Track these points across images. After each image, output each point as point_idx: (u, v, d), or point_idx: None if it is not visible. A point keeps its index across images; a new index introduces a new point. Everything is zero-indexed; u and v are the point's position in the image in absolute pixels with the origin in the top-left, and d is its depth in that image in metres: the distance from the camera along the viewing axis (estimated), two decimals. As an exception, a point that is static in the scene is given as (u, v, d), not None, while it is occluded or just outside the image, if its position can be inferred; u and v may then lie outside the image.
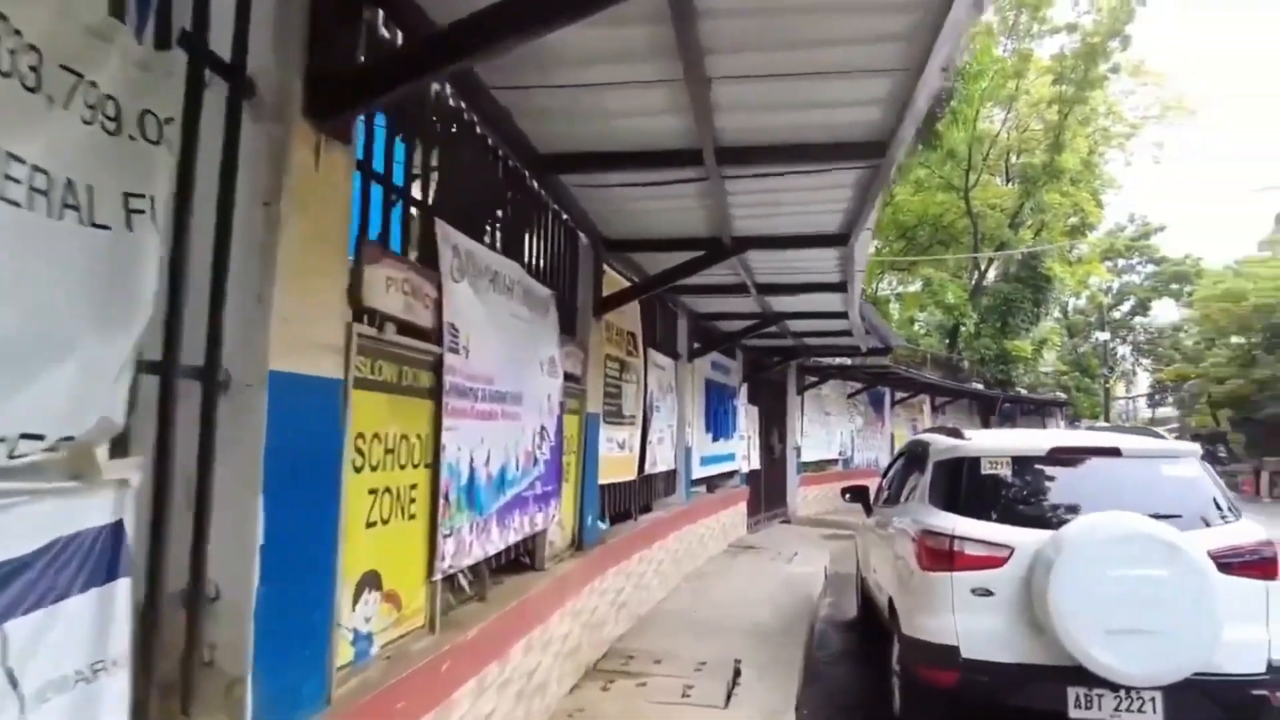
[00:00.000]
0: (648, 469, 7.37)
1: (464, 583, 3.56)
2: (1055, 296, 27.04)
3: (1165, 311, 52.99)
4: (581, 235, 5.49)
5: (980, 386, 24.61)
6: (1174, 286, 48.26)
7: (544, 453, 4.53)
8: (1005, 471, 4.53)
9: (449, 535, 3.19)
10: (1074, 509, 4.22)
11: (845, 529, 14.71)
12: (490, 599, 3.97)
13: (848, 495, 7.17)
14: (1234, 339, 29.42)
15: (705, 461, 9.90)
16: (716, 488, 11.13)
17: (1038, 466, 4.58)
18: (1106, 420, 32.52)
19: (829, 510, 17.00)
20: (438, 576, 3.12)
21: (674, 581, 8.05)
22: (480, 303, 3.58)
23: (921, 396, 23.42)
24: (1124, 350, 51.43)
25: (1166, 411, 61.17)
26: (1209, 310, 26.74)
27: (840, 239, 5.42)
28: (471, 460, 3.46)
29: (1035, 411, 30.88)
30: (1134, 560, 3.77)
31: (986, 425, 27.59)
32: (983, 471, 4.54)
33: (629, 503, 7.13)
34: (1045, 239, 25.86)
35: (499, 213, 4.23)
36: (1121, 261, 48.25)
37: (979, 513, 4.43)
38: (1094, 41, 22.02)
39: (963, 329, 25.61)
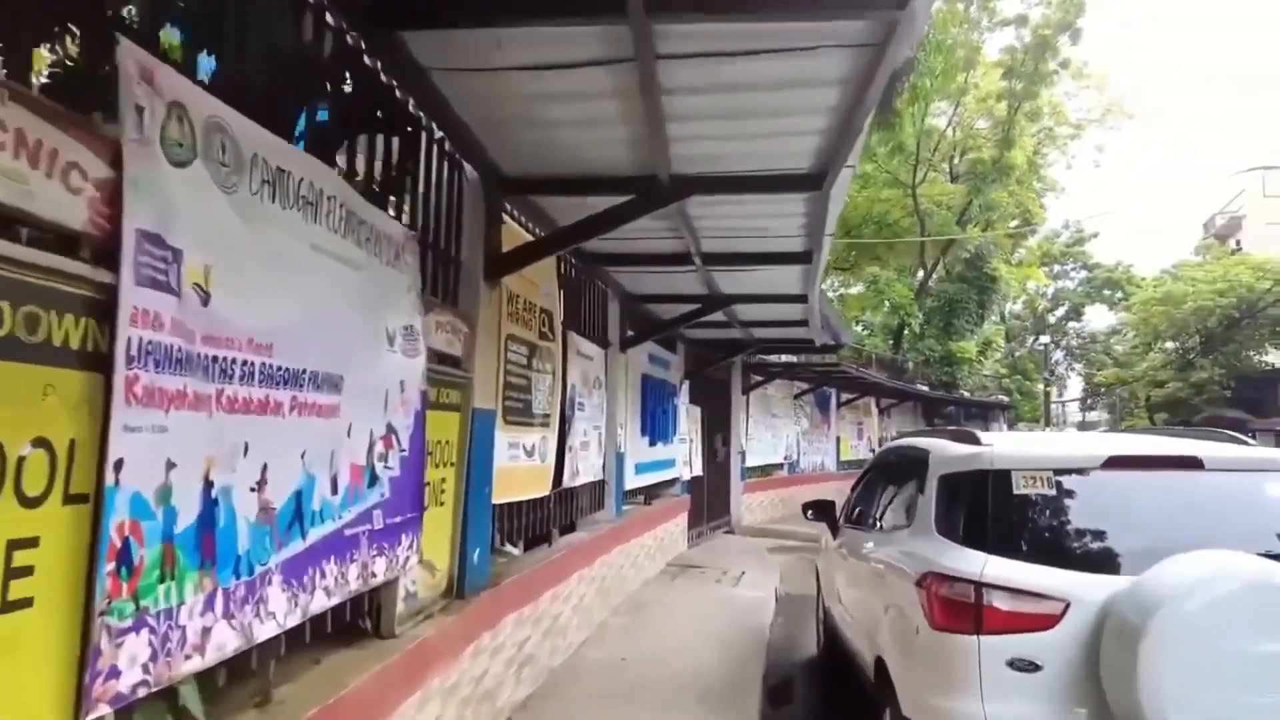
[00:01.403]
0: (567, 481, 5.94)
1: (191, 707, 2.04)
2: (1000, 297, 26.65)
3: (1098, 317, 54.19)
4: (467, 167, 4.03)
5: (925, 388, 23.90)
6: (1106, 292, 49.37)
7: (391, 466, 3.06)
8: (1045, 490, 3.26)
9: (128, 628, 1.70)
10: (1151, 545, 2.96)
11: (792, 539, 13.58)
12: (284, 701, 2.49)
13: (810, 512, 5.87)
14: (1169, 344, 29.68)
15: (641, 469, 8.52)
16: (656, 498, 9.77)
17: (1089, 483, 3.32)
18: (1048, 424, 32.38)
19: (774, 518, 15.86)
20: (98, 713, 1.63)
21: (600, 616, 6.63)
22: (237, 212, 2.10)
23: (867, 398, 22.56)
24: (1057, 355, 52.22)
25: (1093, 416, 62.77)
26: (1148, 314, 26.73)
27: (812, 180, 4.09)
28: (210, 483, 1.98)
29: (978, 415, 30.52)
30: (1267, 625, 2.53)
31: (932, 427, 27.03)
32: (1015, 490, 3.26)
33: (545, 523, 5.69)
34: (999, 237, 25.37)
35: (310, 95, 2.75)
36: (1056, 267, 48.93)
37: (1011, 549, 3.14)
38: (1045, 34, 21.54)
39: (908, 329, 24.90)
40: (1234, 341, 24.81)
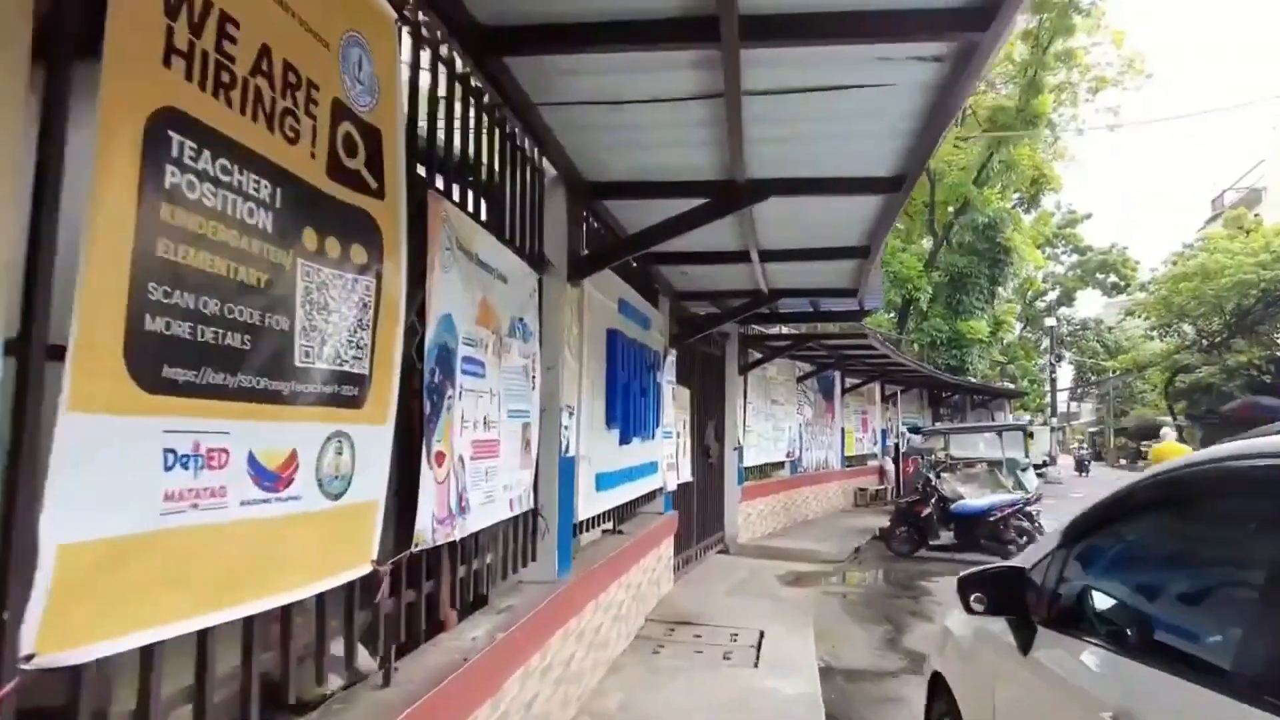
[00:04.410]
0: (439, 530, 2.68)
1: None
2: (1013, 272, 23.79)
3: (1088, 303, 51.75)
4: None
5: (936, 373, 20.94)
6: (1099, 276, 46.93)
7: None
8: None
9: None
10: None
11: (803, 560, 10.43)
12: None
13: (978, 599, 2.63)
14: (1187, 327, 27.13)
15: (606, 483, 5.29)
16: (630, 517, 6.59)
17: None
18: (1054, 412, 29.73)
19: (776, 531, 12.76)
20: None
21: (523, 776, 3.40)
22: None
23: (872, 384, 19.51)
24: (1046, 342, 49.74)
25: (1078, 407, 60.33)
26: (1173, 291, 24.02)
27: None
28: None
29: (981, 404, 27.77)
30: None
31: (938, 418, 24.13)
32: None
33: (361, 638, 2.45)
34: (1008, 205, 22.46)
35: None
36: (1047, 250, 46.37)
37: None
38: (1083, -48, 18.55)
39: (914, 306, 21.87)
40: (1270, 320, 22.18)
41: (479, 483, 3.03)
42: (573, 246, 4.30)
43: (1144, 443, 41.69)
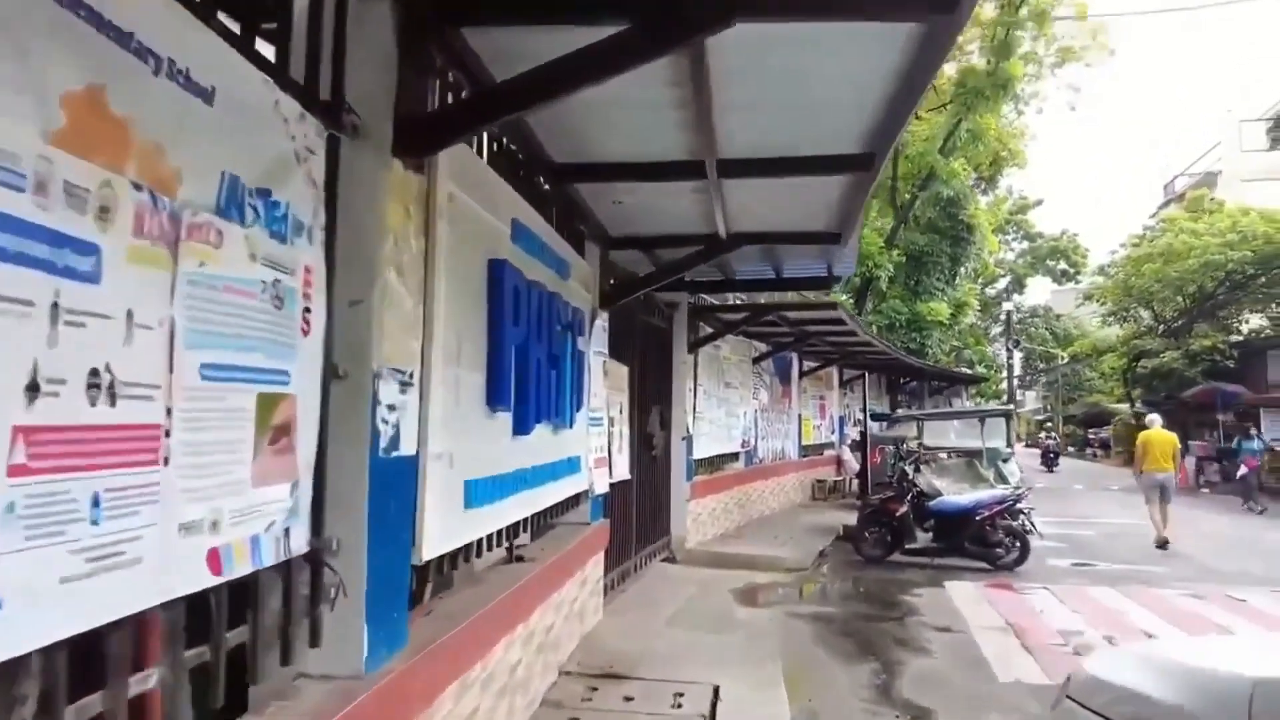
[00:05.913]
0: None
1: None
2: (975, 251, 22.67)
3: (1038, 289, 51.58)
4: None
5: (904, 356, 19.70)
6: (1049, 263, 46.67)
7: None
8: None
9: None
10: None
11: (762, 570, 8.77)
12: None
13: None
14: (1144, 311, 26.52)
15: (488, 493, 3.51)
16: (546, 531, 4.90)
17: None
18: (1011, 400, 28.91)
19: (729, 532, 11.17)
20: None
21: None
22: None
23: (830, 368, 18.06)
24: (995, 329, 49.45)
25: (1019, 395, 60.43)
26: (1134, 273, 23.19)
27: None
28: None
29: (940, 391, 26.78)
30: None
31: (896, 405, 22.95)
32: None
33: None
34: (968, 183, 21.30)
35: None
36: (999, 235, 45.85)
37: None
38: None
39: (875, 283, 20.51)
40: (1236, 303, 21.48)
41: (64, 527, 1.26)
42: (407, 100, 2.52)
43: (1092, 430, 41.64)
